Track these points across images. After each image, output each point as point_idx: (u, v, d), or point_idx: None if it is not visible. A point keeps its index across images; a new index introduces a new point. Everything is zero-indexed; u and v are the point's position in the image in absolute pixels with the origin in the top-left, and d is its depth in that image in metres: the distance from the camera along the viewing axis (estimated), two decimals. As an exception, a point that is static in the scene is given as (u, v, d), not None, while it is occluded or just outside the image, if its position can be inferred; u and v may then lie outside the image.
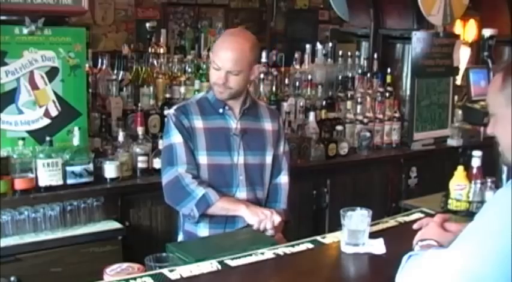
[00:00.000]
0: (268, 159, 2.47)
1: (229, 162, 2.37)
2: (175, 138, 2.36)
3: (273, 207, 2.46)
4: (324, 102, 3.83)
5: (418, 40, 4.13)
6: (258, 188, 2.45)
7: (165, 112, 2.55)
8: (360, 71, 4.15)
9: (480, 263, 1.31)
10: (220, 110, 2.40)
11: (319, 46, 4.19)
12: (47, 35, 2.84)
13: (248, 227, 2.32)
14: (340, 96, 3.96)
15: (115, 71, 3.43)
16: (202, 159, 2.36)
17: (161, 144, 2.70)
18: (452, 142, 4.32)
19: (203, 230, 2.37)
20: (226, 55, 2.29)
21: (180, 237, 2.47)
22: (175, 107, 2.47)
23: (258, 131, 2.46)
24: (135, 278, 1.75)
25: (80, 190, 2.83)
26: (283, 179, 2.57)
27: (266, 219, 2.24)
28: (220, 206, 2.30)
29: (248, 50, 2.32)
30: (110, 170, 2.95)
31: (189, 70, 3.58)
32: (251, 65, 2.36)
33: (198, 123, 2.37)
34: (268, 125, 2.49)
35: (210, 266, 1.82)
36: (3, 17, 2.73)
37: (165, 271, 1.78)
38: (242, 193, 2.39)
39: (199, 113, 2.39)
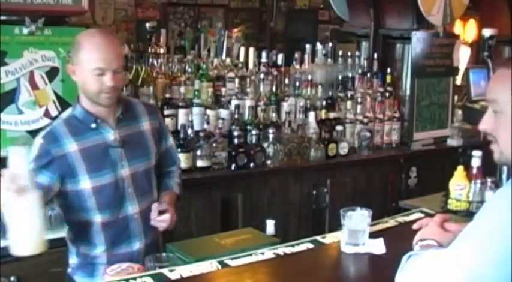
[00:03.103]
0: (153, 161, 2.31)
1: (114, 179, 2.17)
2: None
3: (166, 182, 2.40)
4: (324, 102, 3.83)
5: (418, 40, 4.14)
6: (148, 196, 2.27)
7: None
8: (360, 71, 4.15)
9: (480, 263, 1.31)
10: (93, 125, 2.16)
11: (319, 46, 4.19)
12: (47, 35, 2.84)
13: (248, 228, 2.33)
14: (340, 96, 3.96)
15: (115, 71, 3.42)
16: (85, 183, 2.14)
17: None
18: (452, 142, 4.33)
19: (100, 253, 2.21)
20: (109, 52, 2.09)
21: (73, 260, 2.28)
22: (42, 133, 2.18)
23: (138, 134, 2.27)
24: (135, 278, 1.75)
25: (79, 190, 2.83)
26: (178, 169, 2.48)
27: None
28: None
29: (119, 45, 2.21)
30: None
31: (189, 70, 3.58)
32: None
33: (72, 146, 2.13)
34: (147, 125, 2.29)
35: (210, 266, 1.82)
36: (3, 17, 2.73)
37: (165, 271, 1.78)
38: (134, 206, 2.22)
39: (70, 135, 2.14)
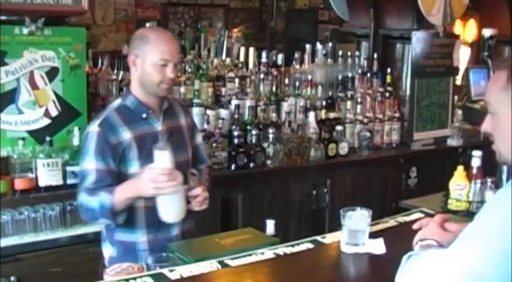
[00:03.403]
0: (190, 154, 2.47)
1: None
2: (91, 163, 2.22)
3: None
4: (324, 102, 3.83)
5: (418, 40, 4.13)
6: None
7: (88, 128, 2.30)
8: (360, 71, 4.15)
9: (480, 263, 1.31)
10: (144, 115, 2.31)
11: (319, 46, 4.18)
12: (47, 35, 2.84)
13: (248, 228, 2.33)
14: (340, 96, 3.96)
15: (115, 71, 3.43)
16: (135, 169, 2.26)
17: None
18: (452, 142, 4.33)
19: (142, 238, 2.30)
20: (173, 47, 2.28)
21: (109, 251, 2.34)
22: (97, 121, 2.27)
23: (178, 128, 2.43)
24: (135, 278, 1.75)
25: (79, 190, 2.83)
26: (207, 168, 2.61)
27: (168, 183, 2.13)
28: (118, 200, 2.17)
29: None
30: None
31: (189, 70, 3.58)
32: None
33: (126, 134, 2.26)
34: (183, 121, 2.47)
35: (210, 266, 1.83)
36: (3, 17, 2.74)
37: (165, 271, 1.78)
38: None
39: (124, 123, 2.28)
